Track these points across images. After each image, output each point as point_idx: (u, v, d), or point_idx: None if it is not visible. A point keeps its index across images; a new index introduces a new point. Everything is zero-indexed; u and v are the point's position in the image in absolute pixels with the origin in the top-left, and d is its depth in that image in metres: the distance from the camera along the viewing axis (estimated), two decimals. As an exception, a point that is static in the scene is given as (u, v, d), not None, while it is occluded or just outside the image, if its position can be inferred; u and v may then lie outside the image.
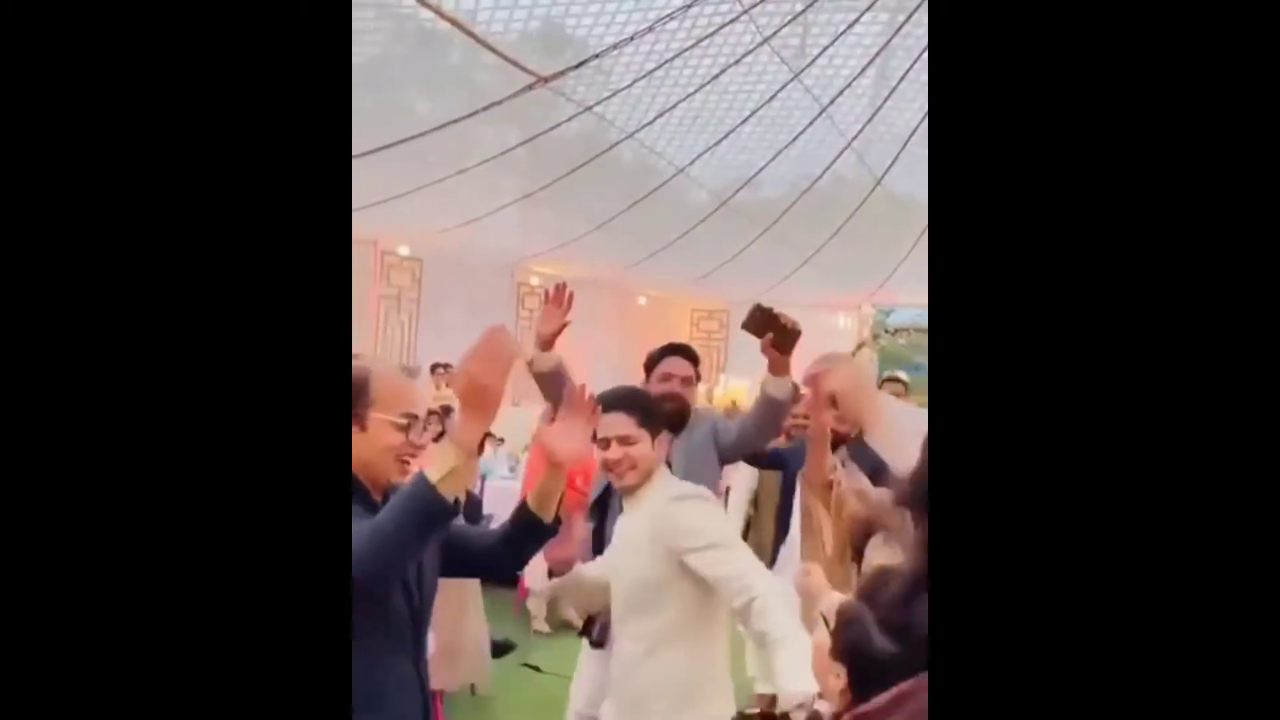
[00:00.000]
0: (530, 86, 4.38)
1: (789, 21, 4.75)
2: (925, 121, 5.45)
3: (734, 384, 8.61)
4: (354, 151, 5.00)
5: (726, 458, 2.29)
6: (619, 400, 1.70)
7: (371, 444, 1.21)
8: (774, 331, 1.99)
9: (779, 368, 2.08)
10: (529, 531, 1.34)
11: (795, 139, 6.05)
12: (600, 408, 1.60)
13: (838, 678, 0.84)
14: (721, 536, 1.59)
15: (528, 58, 4.43)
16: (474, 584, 1.97)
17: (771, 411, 2.14)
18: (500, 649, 3.33)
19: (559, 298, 2.16)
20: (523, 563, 1.45)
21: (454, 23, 3.73)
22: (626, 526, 1.71)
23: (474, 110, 4.47)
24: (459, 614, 1.83)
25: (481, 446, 5.21)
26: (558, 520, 1.35)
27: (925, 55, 4.71)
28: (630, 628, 1.65)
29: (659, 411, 1.75)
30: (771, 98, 5.49)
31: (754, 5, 4.49)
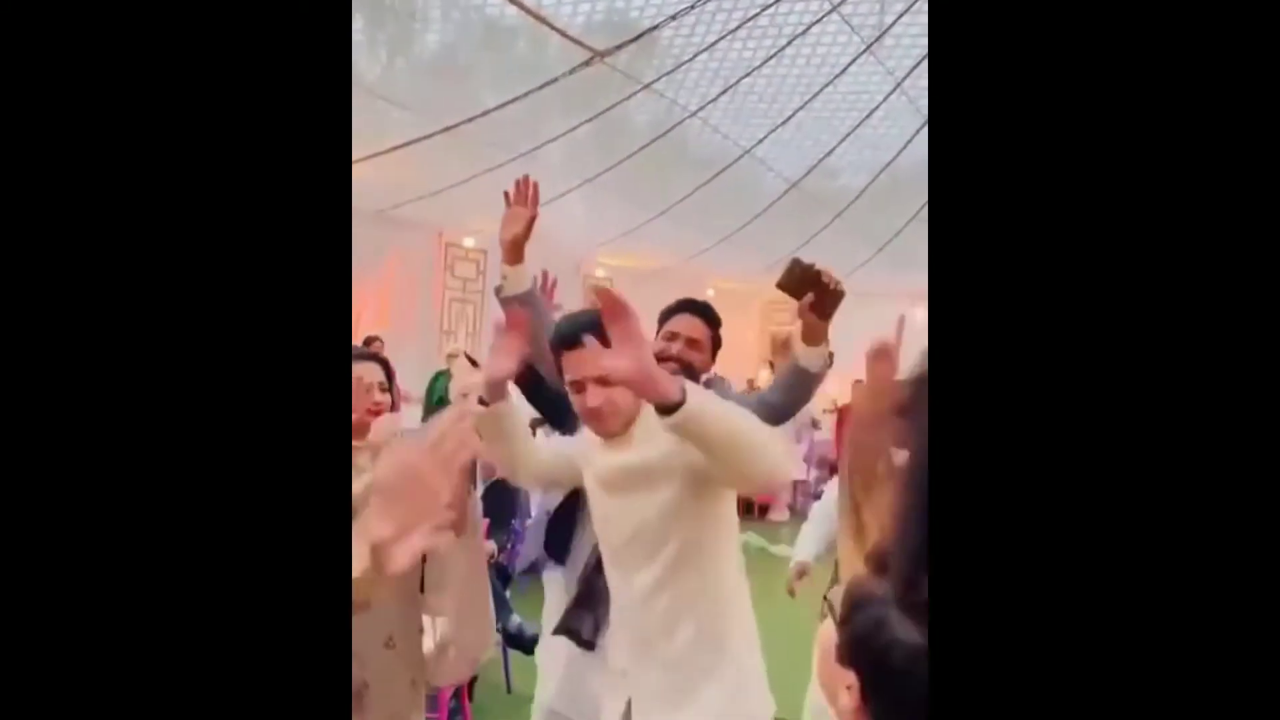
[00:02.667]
0: (588, 62, 4.26)
1: (860, -14, 4.50)
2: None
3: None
4: (416, 135, 5.01)
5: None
6: (583, 330, 1.38)
7: None
8: (815, 291, 1.71)
9: (815, 335, 1.77)
10: None
11: (868, 116, 5.77)
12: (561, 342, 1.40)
13: (849, 690, 0.66)
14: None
15: (593, 43, 4.34)
16: (482, 578, 1.84)
17: (801, 383, 1.82)
18: (532, 644, 3.19)
19: (521, 193, 1.81)
20: None
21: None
22: (622, 461, 1.44)
23: (530, 89, 4.38)
24: (464, 605, 1.72)
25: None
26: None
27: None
28: (638, 573, 1.43)
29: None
30: (842, 72, 5.24)
31: (822, -31, 4.27)
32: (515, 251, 1.86)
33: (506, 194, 1.85)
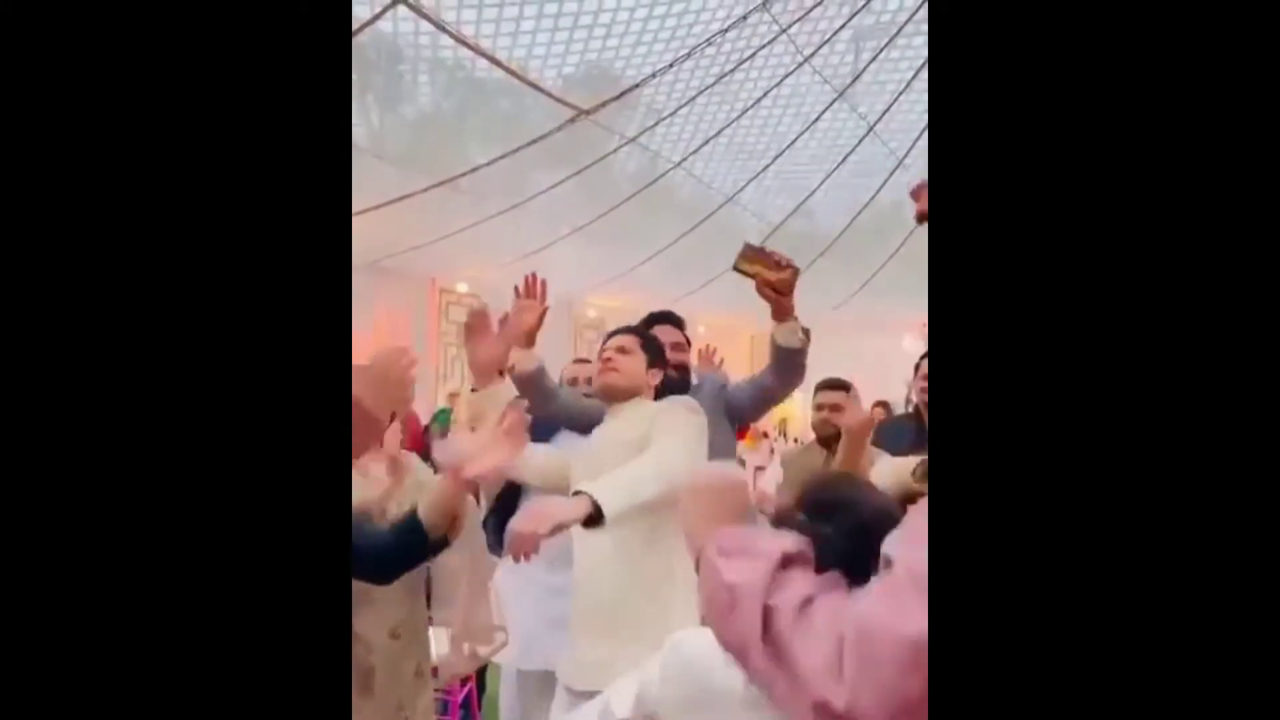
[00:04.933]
0: (572, 120, 4.45)
1: (828, 39, 4.74)
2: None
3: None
4: (407, 191, 5.17)
5: (745, 415, 2.27)
6: (628, 329, 1.85)
7: None
8: (763, 268, 1.92)
9: (780, 311, 1.98)
10: (411, 541, 1.31)
11: (844, 160, 6.00)
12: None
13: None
14: (669, 432, 1.65)
15: (575, 97, 4.53)
16: (483, 574, 1.96)
17: (786, 361, 2.05)
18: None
19: (530, 287, 2.05)
20: (394, 575, 1.40)
21: (494, 60, 3.83)
22: (609, 435, 1.77)
23: (517, 147, 4.56)
24: (470, 603, 1.84)
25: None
26: (445, 540, 1.32)
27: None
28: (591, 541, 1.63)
29: (661, 351, 1.85)
30: (816, 119, 5.47)
31: (792, 24, 4.50)
32: (529, 340, 2.07)
33: (516, 288, 2.06)
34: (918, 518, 0.69)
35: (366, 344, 6.66)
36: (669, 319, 2.34)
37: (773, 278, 1.91)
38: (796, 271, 1.94)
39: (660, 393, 1.89)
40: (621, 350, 1.79)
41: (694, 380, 2.30)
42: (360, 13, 3.47)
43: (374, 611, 1.60)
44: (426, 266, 6.89)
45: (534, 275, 2.04)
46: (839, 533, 0.86)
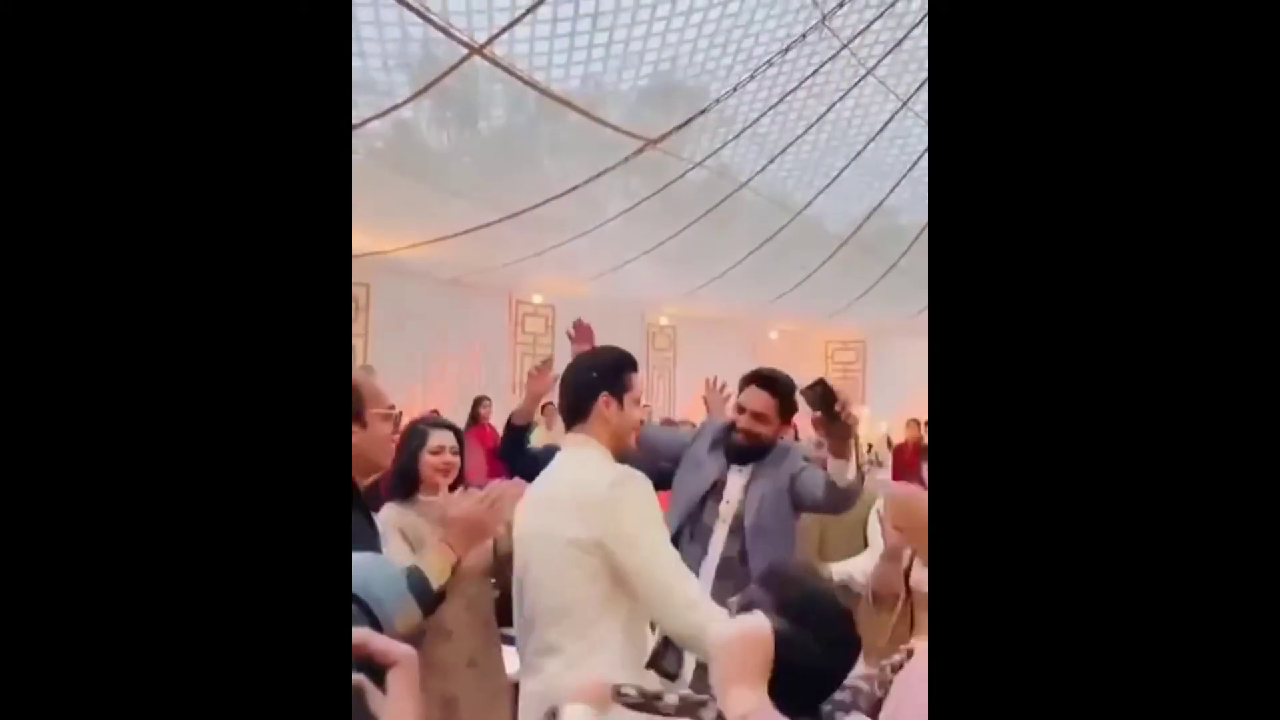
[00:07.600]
0: (639, 151, 4.62)
1: (891, 50, 4.78)
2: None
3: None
4: (487, 220, 5.43)
5: (805, 509, 2.18)
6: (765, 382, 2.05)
7: (370, 437, 1.50)
8: (824, 413, 1.89)
9: (837, 449, 1.95)
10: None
11: (912, 168, 6.01)
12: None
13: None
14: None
15: (647, 112, 4.71)
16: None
17: (837, 496, 2.02)
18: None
19: (584, 332, 2.16)
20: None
21: (555, 97, 4.04)
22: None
23: (586, 179, 4.75)
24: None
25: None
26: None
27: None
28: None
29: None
30: (882, 129, 5.51)
31: (854, 39, 4.57)
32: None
33: (569, 333, 2.21)
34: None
35: (449, 358, 7.02)
36: (761, 381, 2.17)
37: (830, 425, 1.90)
38: (852, 429, 1.92)
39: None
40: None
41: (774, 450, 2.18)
42: (441, 56, 3.71)
43: (452, 644, 1.79)
44: (503, 281, 7.21)
45: (582, 321, 2.20)
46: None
